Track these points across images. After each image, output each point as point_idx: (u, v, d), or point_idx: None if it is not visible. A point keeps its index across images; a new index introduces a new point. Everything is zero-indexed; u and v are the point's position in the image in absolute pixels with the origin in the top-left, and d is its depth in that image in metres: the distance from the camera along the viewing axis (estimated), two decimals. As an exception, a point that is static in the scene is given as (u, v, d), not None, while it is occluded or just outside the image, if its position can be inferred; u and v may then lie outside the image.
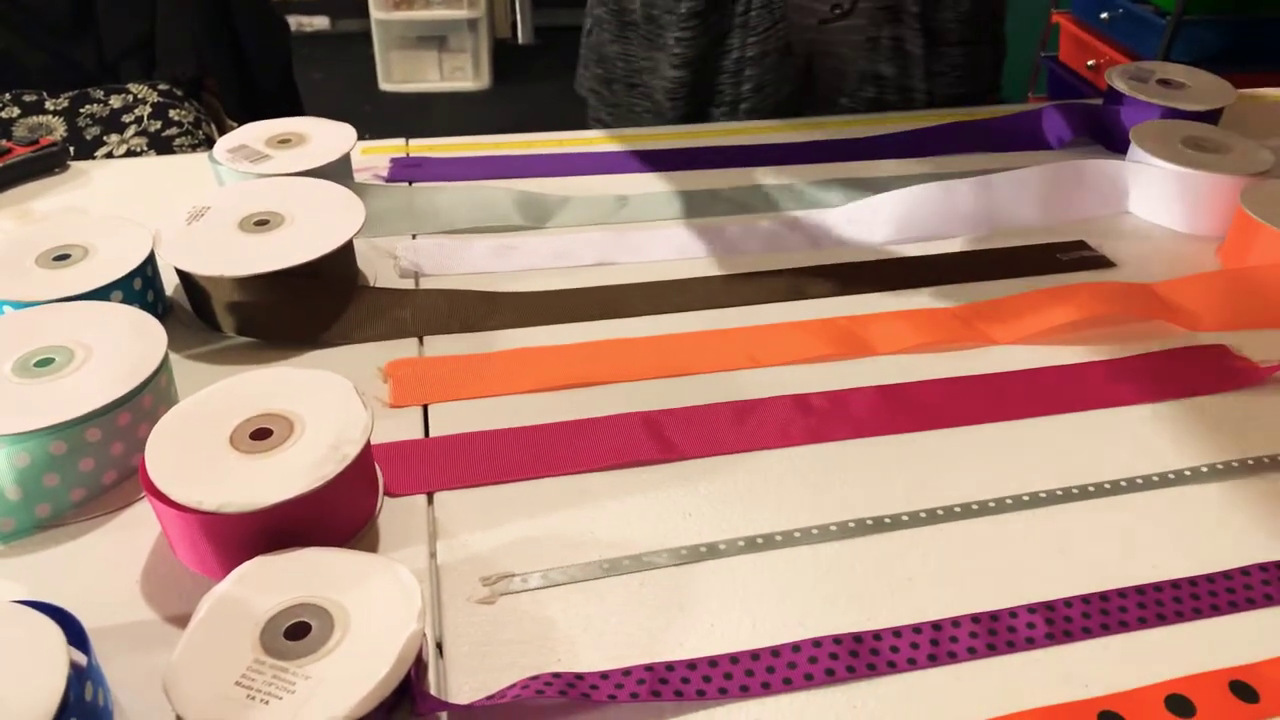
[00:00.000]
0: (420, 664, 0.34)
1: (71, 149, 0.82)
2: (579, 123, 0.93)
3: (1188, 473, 0.46)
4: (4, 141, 0.69)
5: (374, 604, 0.34)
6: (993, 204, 0.66)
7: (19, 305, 0.48)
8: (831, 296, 0.58)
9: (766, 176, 0.71)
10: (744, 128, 0.79)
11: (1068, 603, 0.39)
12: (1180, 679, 0.36)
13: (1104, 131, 0.76)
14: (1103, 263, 0.62)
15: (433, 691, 0.35)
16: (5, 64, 1.31)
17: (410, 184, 0.69)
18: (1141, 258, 0.63)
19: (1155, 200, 0.67)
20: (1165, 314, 0.56)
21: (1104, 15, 2.06)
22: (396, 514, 0.43)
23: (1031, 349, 0.54)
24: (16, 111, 1.26)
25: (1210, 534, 0.43)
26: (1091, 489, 0.45)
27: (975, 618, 0.39)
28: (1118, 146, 0.74)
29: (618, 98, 0.88)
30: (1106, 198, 0.68)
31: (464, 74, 2.96)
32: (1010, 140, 0.76)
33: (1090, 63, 2.12)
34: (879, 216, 0.65)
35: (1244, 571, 0.41)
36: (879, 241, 0.64)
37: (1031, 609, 0.39)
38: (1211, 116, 0.74)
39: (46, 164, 0.69)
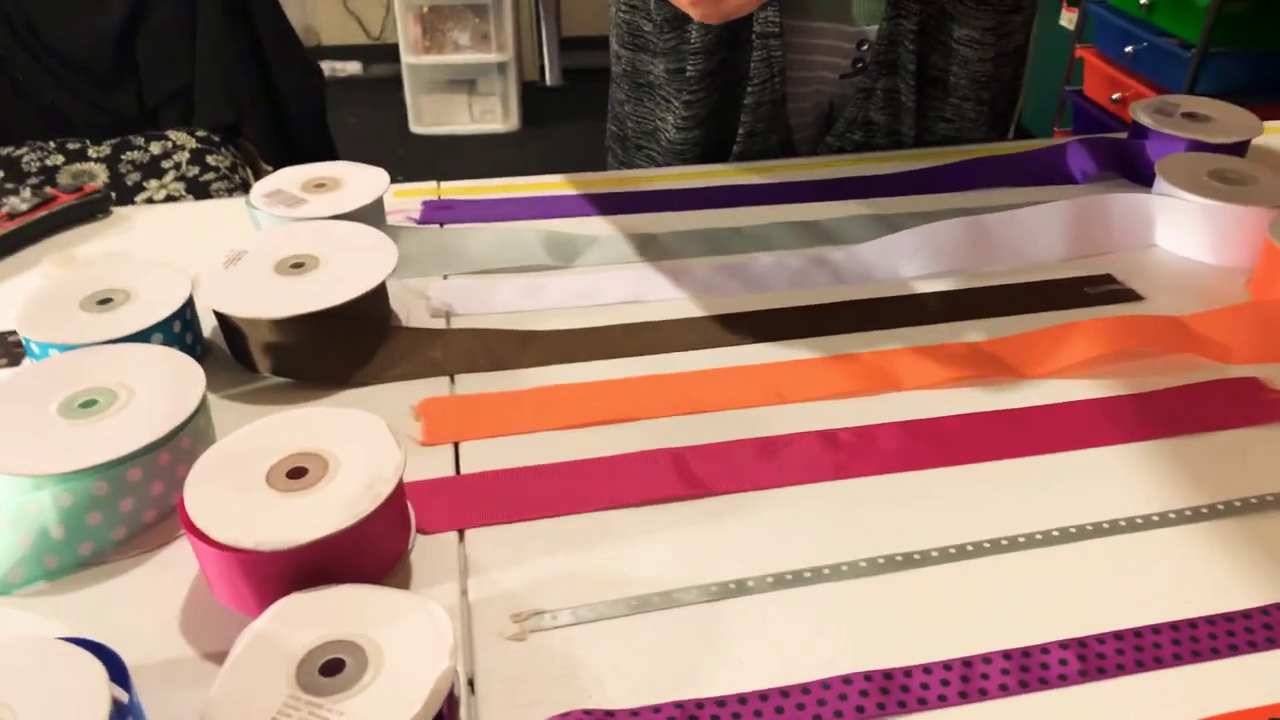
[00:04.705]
0: (452, 700, 0.35)
1: (113, 194, 0.84)
2: (606, 163, 0.94)
3: (1220, 506, 0.46)
4: (49, 189, 0.71)
5: (407, 641, 0.35)
6: (1019, 238, 0.67)
7: (65, 348, 0.49)
8: (858, 332, 0.58)
9: (791, 214, 0.72)
10: (767, 167, 0.80)
11: (1100, 639, 0.39)
12: (1215, 717, 0.36)
13: (1129, 165, 0.76)
14: (1130, 296, 0.62)
15: (464, 728, 0.36)
16: (51, 114, 1.36)
17: (441, 226, 0.70)
18: (1169, 291, 0.63)
19: (1182, 233, 0.67)
20: (1195, 347, 0.56)
21: (1128, 49, 2.06)
22: (428, 551, 0.44)
23: (1060, 383, 0.54)
24: (61, 159, 1.30)
25: (1243, 569, 0.42)
26: (1123, 523, 0.45)
27: (1006, 654, 0.38)
28: (1143, 180, 0.74)
29: (629, 156, 0.89)
30: (1133, 231, 0.68)
31: (493, 116, 3.01)
32: (1035, 175, 0.77)
33: (1115, 96, 2.12)
34: (905, 252, 0.65)
35: (1280, 607, 0.40)
36: (905, 277, 0.64)
37: (1063, 645, 0.39)
38: (1238, 149, 0.73)
39: (90, 210, 0.71)
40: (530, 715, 0.36)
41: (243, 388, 0.54)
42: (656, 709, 0.36)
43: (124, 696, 0.33)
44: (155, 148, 1.34)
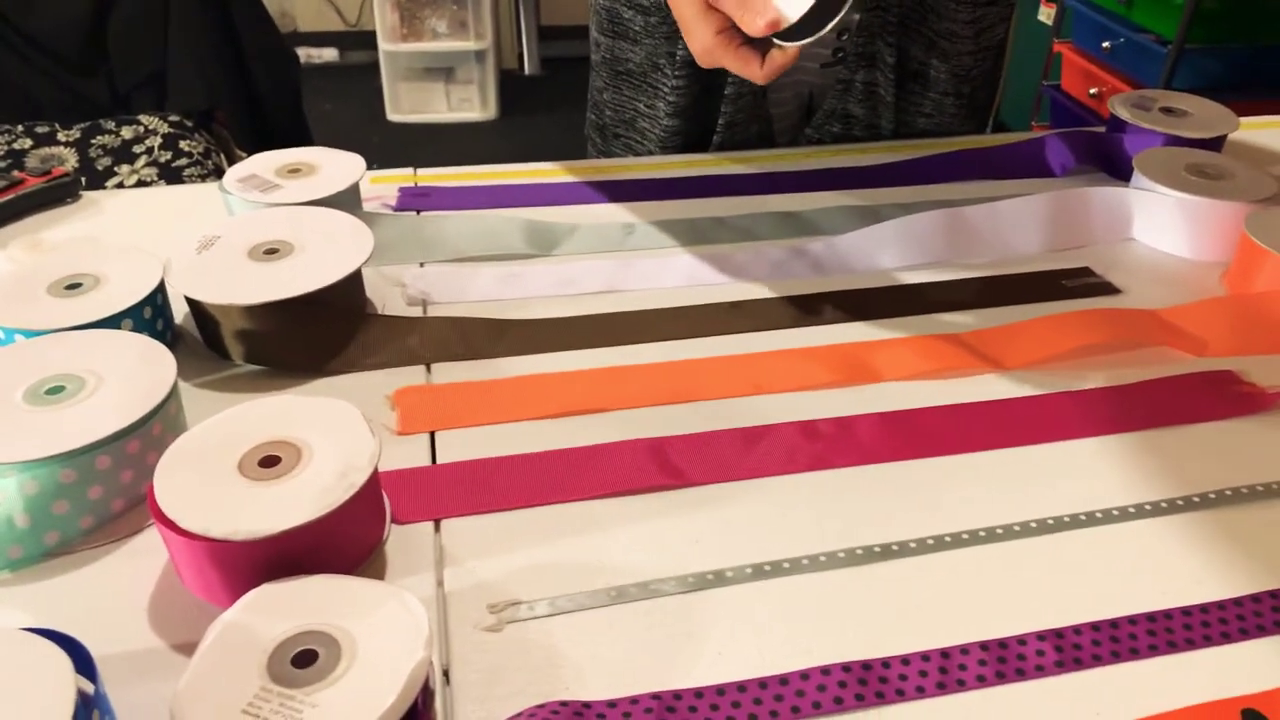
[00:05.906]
0: (427, 692, 0.34)
1: (83, 179, 0.83)
2: (585, 152, 0.94)
3: (1196, 499, 0.46)
4: (17, 172, 0.70)
5: (381, 632, 0.34)
6: (998, 231, 0.67)
7: (31, 334, 0.48)
8: (837, 323, 0.58)
9: (772, 204, 0.72)
10: (748, 157, 0.80)
11: (1077, 630, 0.39)
12: (1191, 707, 0.36)
13: (1107, 159, 0.76)
14: (1108, 289, 0.63)
15: (439, 720, 0.35)
16: (19, 96, 1.33)
17: (418, 213, 0.69)
18: (1147, 284, 0.63)
19: (1160, 227, 0.67)
20: (1171, 340, 0.56)
21: (1106, 44, 2.08)
22: (403, 541, 0.43)
23: (1037, 375, 0.54)
24: (29, 143, 1.28)
25: (1219, 560, 0.43)
26: (1099, 515, 0.45)
27: (984, 645, 0.38)
28: (1121, 174, 0.74)
29: (608, 145, 0.88)
30: (1111, 225, 0.68)
31: (471, 105, 2.99)
32: (1014, 168, 0.77)
33: (1093, 91, 2.13)
34: (884, 243, 0.65)
35: (1254, 599, 0.41)
36: (885, 268, 0.64)
37: (1041, 636, 0.39)
38: (1215, 144, 0.74)
39: (58, 194, 0.70)
40: (507, 707, 0.36)
41: (215, 375, 0.53)
42: (634, 700, 0.36)
43: (90, 688, 0.32)
44: (127, 132, 1.31)
